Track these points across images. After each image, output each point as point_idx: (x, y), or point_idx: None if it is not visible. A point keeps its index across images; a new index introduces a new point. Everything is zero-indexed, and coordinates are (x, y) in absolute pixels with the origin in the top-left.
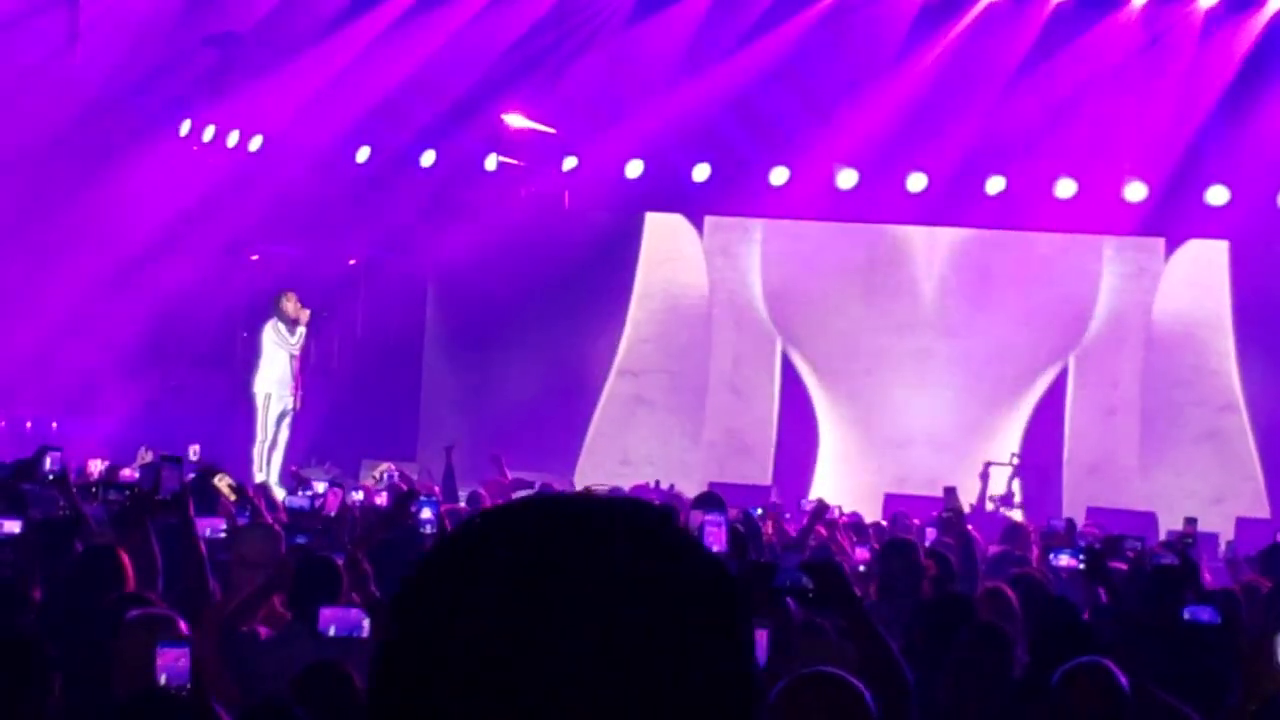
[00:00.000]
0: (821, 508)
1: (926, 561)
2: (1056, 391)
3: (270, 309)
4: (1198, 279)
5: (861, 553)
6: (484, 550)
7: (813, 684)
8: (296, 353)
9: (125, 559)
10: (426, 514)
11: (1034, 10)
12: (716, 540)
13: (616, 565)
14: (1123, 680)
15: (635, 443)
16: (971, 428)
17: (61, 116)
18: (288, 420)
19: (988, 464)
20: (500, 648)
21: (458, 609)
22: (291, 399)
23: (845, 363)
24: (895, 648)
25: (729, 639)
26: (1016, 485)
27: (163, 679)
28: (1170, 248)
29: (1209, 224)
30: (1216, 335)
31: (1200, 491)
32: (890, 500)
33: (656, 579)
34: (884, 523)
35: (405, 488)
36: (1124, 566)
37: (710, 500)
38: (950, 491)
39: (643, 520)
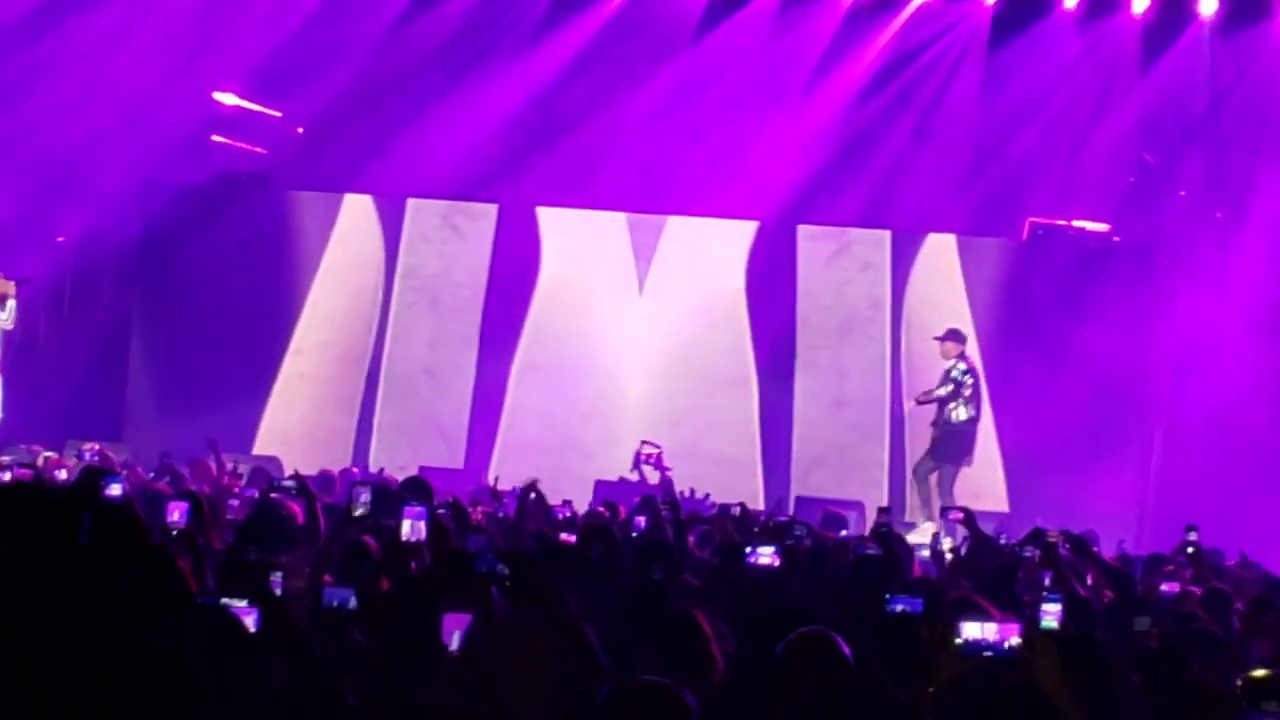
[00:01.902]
0: (531, 485)
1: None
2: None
3: None
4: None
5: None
6: None
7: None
8: (8, 327)
9: None
10: (115, 490)
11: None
12: (416, 531)
13: None
14: (846, 649)
15: (300, 422)
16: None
17: None
18: None
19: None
20: None
21: None
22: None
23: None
24: (593, 636)
25: None
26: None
27: None
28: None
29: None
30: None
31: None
32: (601, 486)
33: None
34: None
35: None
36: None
37: (416, 487)
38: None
39: None
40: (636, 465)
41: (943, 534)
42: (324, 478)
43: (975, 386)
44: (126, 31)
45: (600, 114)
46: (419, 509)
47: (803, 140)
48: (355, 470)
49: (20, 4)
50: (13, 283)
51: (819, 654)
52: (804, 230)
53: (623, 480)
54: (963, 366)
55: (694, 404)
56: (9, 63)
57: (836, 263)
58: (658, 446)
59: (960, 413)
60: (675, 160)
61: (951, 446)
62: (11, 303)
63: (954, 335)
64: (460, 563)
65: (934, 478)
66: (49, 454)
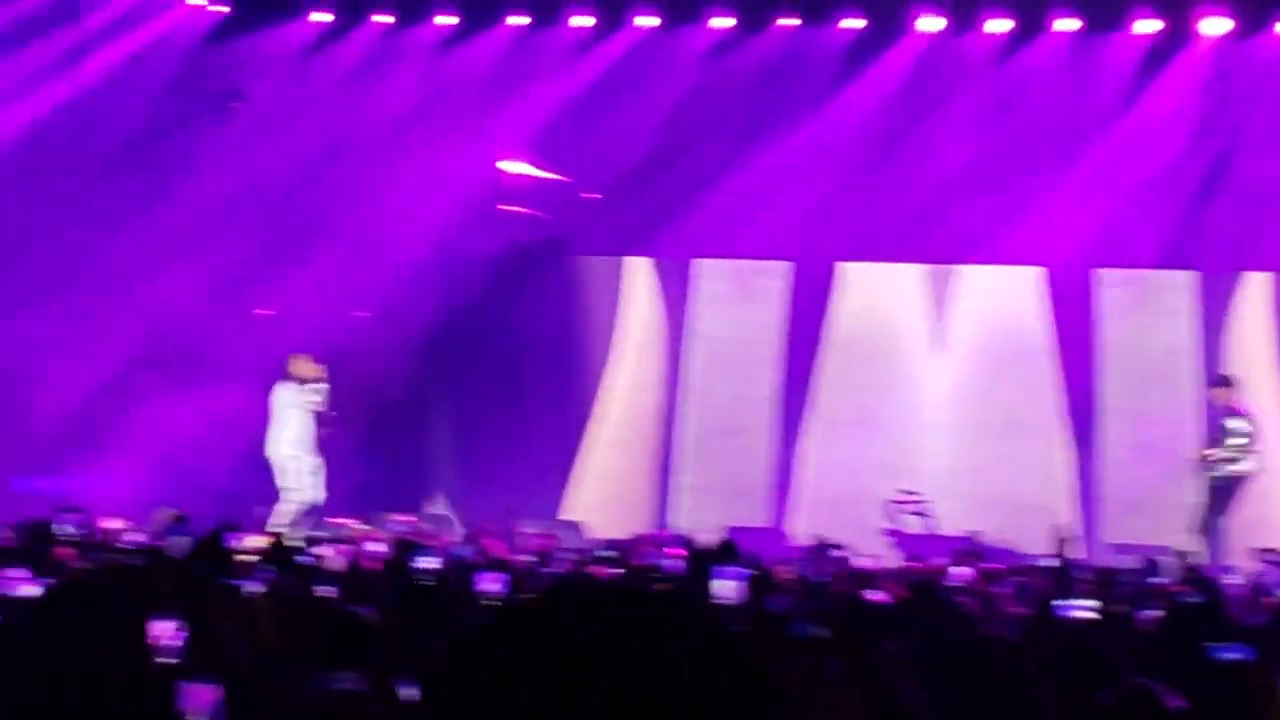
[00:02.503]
0: (826, 544)
1: None
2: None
3: (281, 371)
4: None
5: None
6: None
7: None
8: (320, 409)
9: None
10: (428, 563)
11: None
12: (730, 592)
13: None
14: (1174, 701)
15: (601, 487)
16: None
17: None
18: (313, 478)
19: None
20: None
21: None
22: (316, 458)
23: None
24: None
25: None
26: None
27: None
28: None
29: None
30: None
31: None
32: (904, 540)
33: None
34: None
35: (408, 538)
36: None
37: (728, 549)
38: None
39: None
40: (892, 516)
41: (1258, 578)
42: (634, 542)
43: (1252, 437)
44: (420, 107)
45: (886, 168)
46: (734, 570)
47: (1098, 181)
48: (662, 533)
49: (317, 83)
50: (324, 367)
51: (1142, 708)
52: (1101, 275)
53: (891, 532)
54: (1236, 422)
55: (997, 452)
56: (309, 141)
57: (1138, 306)
58: (916, 495)
59: (1233, 467)
60: (963, 208)
61: (1222, 499)
62: (323, 386)
63: (1222, 380)
64: (777, 624)
65: (1207, 524)
66: (361, 527)
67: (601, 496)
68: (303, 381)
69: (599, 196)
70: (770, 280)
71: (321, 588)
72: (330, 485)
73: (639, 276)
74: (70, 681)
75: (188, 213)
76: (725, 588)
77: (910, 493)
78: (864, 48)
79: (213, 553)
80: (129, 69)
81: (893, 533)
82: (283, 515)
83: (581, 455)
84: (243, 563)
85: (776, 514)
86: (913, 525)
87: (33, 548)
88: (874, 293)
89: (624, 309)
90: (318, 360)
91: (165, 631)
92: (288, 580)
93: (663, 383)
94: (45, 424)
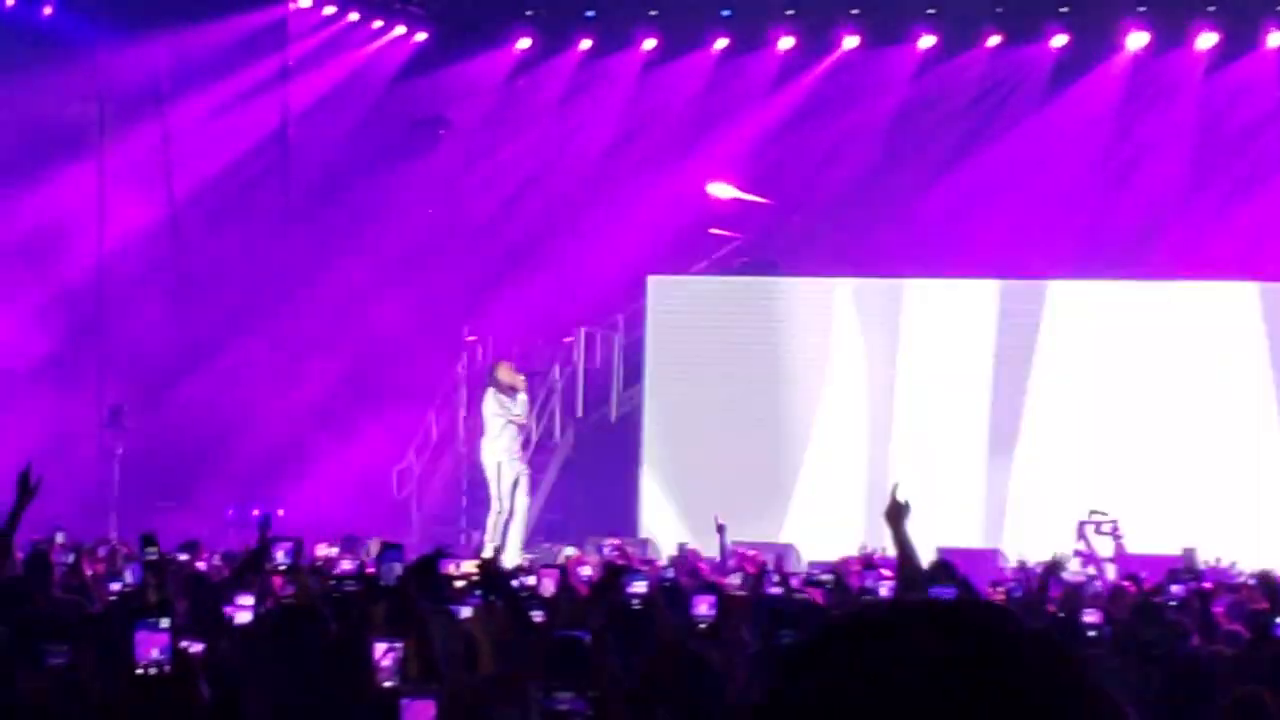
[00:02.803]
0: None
1: None
2: None
3: (486, 379)
4: None
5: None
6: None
7: None
8: (521, 420)
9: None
10: (638, 587)
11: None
12: None
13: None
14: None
15: (817, 508)
16: None
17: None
18: (522, 489)
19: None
20: None
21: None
22: (523, 467)
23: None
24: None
25: None
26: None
27: None
28: None
29: None
30: None
31: None
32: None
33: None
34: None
35: (616, 561)
36: None
37: (943, 569)
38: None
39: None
40: (1082, 536)
41: None
42: (844, 564)
43: None
44: (624, 131)
45: (1094, 184)
46: (948, 591)
47: None
48: (872, 555)
49: (519, 109)
50: (523, 376)
51: None
52: None
53: (1081, 554)
54: None
55: (1209, 468)
56: (514, 167)
57: None
58: (1106, 515)
59: None
60: (1176, 223)
61: None
62: (522, 396)
63: None
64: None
65: None
66: (570, 551)
67: (812, 518)
68: (504, 389)
69: (798, 215)
70: (980, 299)
71: (533, 611)
72: (540, 507)
73: (846, 297)
74: (291, 704)
75: (394, 240)
76: None
77: (1101, 512)
78: (1070, 65)
79: (426, 578)
80: (332, 99)
81: (1086, 554)
82: (491, 526)
83: (790, 476)
84: (456, 587)
85: (988, 534)
86: (1103, 546)
87: (247, 576)
88: (1084, 310)
89: (831, 329)
90: (517, 369)
91: (384, 654)
92: (500, 604)
93: (871, 403)
94: (258, 453)
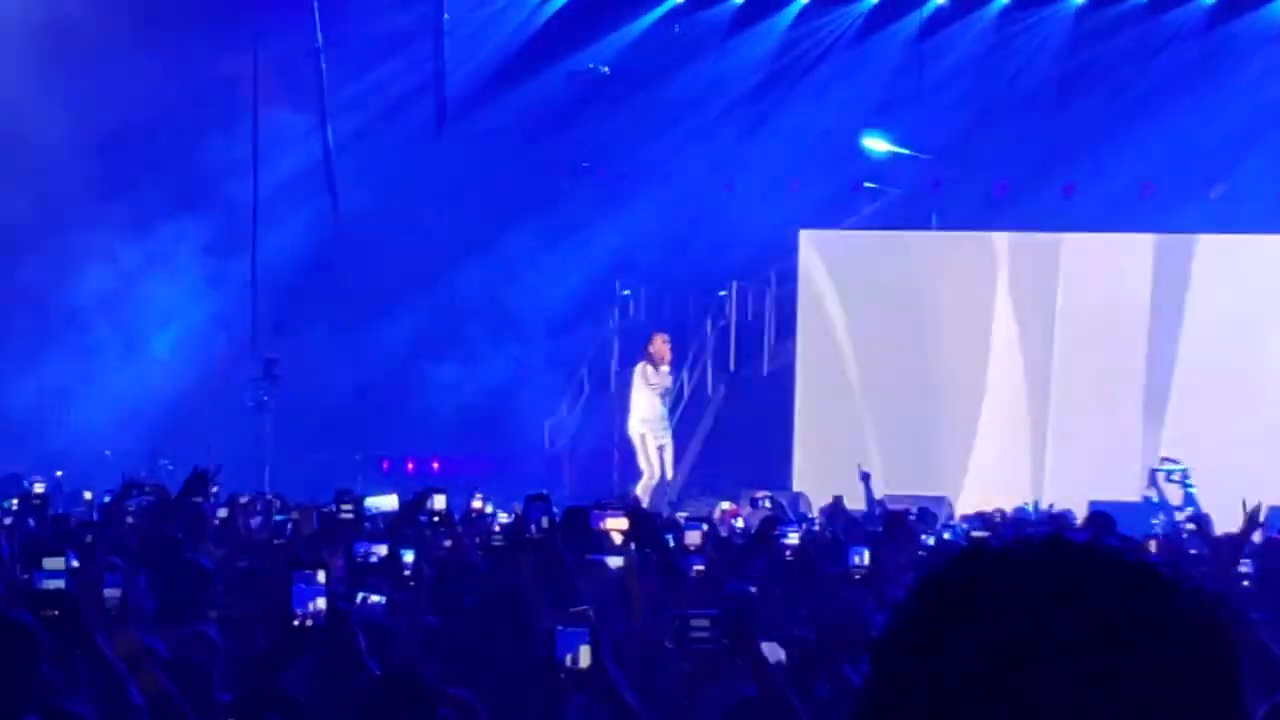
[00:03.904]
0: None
1: None
2: None
3: (642, 352)
4: None
5: None
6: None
7: None
8: (666, 389)
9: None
10: (792, 538)
11: None
12: None
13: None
14: None
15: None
16: None
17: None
18: (668, 456)
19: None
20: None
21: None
22: (668, 436)
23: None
24: None
25: (1228, 689)
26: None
27: None
28: None
29: None
30: None
31: None
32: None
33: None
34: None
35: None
36: None
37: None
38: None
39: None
40: (1154, 483)
41: None
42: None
43: None
44: (775, 79)
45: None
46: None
47: None
48: (1028, 509)
49: (669, 62)
50: (670, 347)
51: None
52: None
53: (1153, 500)
54: None
55: None
56: (672, 121)
57: None
58: (1179, 463)
59: None
60: None
61: None
62: (665, 368)
63: None
64: None
65: None
66: (725, 504)
67: (975, 472)
68: (655, 362)
69: (953, 170)
70: (1135, 255)
71: (690, 560)
72: (698, 462)
73: (1003, 251)
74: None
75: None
76: None
77: (1173, 460)
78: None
79: (572, 530)
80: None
81: (1157, 502)
82: (641, 490)
83: (942, 430)
84: (608, 539)
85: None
86: (1174, 494)
87: (404, 527)
88: (1234, 265)
89: (985, 284)
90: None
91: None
92: (653, 555)
93: (1025, 358)
94: (412, 407)
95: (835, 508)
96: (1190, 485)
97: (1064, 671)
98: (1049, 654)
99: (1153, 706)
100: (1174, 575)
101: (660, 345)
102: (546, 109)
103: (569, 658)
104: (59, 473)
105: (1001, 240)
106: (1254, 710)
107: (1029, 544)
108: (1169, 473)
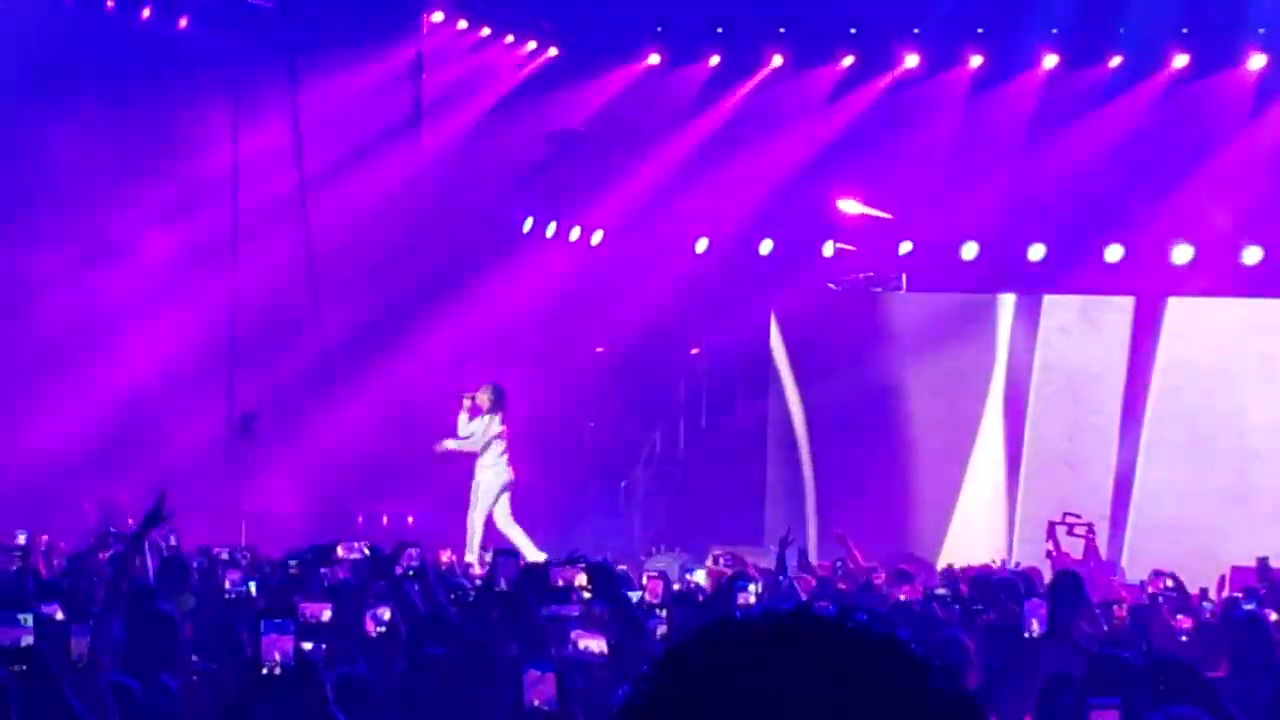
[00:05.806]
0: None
1: None
2: None
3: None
4: None
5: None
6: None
7: None
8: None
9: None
10: (749, 595)
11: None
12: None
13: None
14: None
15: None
16: None
17: (408, 206)
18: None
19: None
20: None
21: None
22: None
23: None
24: None
25: None
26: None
27: None
28: None
29: None
30: None
31: None
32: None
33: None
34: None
35: (728, 572)
36: None
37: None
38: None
39: (874, 644)
40: (1052, 537)
41: None
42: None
43: None
44: (750, 141)
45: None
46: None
47: None
48: (1002, 565)
49: (645, 126)
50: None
51: None
52: None
53: (1053, 554)
54: None
55: None
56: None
57: None
58: (1080, 518)
59: None
60: None
61: None
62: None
63: None
64: None
65: None
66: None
67: (948, 528)
68: (486, 409)
69: (920, 234)
70: (1114, 314)
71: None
72: (665, 518)
73: (983, 311)
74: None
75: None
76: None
77: (1075, 515)
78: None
79: (537, 583)
80: (467, 114)
81: (1056, 555)
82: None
83: (921, 489)
84: (570, 593)
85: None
86: (1076, 550)
87: (376, 580)
88: (1204, 325)
89: (966, 344)
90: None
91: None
92: (607, 608)
93: (1005, 415)
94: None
95: (803, 564)
96: (1092, 539)
97: None
98: None
99: None
100: (920, 651)
101: (486, 395)
102: (520, 165)
103: (535, 700)
104: None
105: (977, 300)
106: None
107: (772, 619)
108: (1071, 526)
